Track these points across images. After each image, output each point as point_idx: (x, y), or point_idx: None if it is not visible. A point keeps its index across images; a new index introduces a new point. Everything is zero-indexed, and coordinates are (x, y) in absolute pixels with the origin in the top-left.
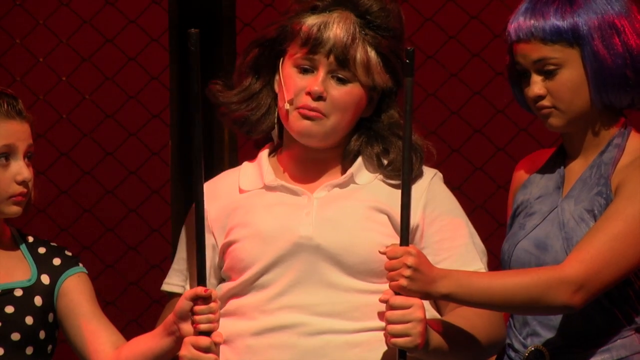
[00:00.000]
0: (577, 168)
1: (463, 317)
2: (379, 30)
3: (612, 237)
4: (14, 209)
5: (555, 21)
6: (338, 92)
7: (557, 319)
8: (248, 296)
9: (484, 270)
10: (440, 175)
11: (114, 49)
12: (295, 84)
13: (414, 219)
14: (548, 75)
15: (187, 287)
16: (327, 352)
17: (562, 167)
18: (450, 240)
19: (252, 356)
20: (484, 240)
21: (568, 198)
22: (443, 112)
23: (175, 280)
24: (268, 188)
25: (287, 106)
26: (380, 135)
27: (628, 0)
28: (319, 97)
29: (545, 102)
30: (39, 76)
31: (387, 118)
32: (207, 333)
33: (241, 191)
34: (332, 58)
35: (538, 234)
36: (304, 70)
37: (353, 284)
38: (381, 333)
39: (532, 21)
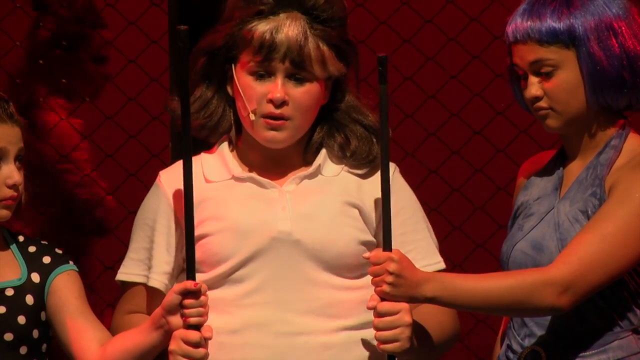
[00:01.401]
0: (575, 169)
1: (429, 314)
2: (326, 22)
3: (601, 238)
4: (3, 213)
5: (551, 23)
6: (298, 93)
7: (554, 321)
8: (221, 289)
9: (442, 264)
10: (398, 168)
11: (113, 51)
12: (255, 92)
13: (377, 212)
14: (545, 76)
15: (154, 276)
16: (303, 353)
17: (560, 169)
18: (413, 234)
19: (226, 354)
20: (483, 242)
21: (564, 199)
22: (443, 114)
23: (136, 270)
24: (237, 179)
25: (252, 117)
26: (340, 124)
27: (627, 2)
28: (282, 103)
29: (542, 104)
30: None
31: (344, 102)
32: (197, 327)
33: (207, 181)
34: (287, 62)
35: (535, 235)
36: (260, 76)
37: (329, 280)
38: (357, 333)
39: (529, 22)
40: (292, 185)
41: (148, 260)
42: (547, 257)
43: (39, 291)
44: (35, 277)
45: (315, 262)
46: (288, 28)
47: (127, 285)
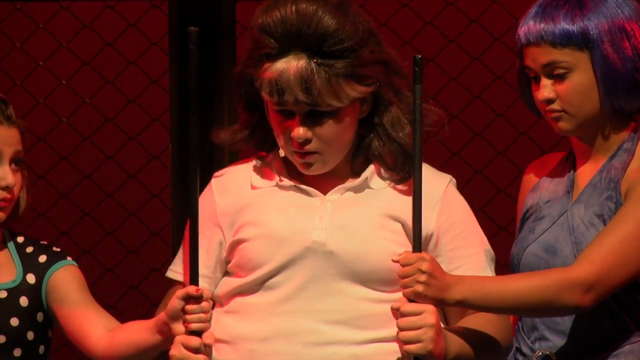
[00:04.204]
0: (587, 172)
1: (475, 326)
2: (337, 55)
3: (622, 239)
4: None
5: (565, 25)
6: (320, 128)
7: (565, 324)
8: (255, 296)
9: None
10: (454, 181)
11: (114, 53)
12: (281, 129)
13: (429, 226)
14: (558, 79)
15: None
16: None
17: (572, 171)
18: (464, 249)
19: None
20: None
21: (578, 202)
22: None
23: (179, 269)
24: (280, 187)
25: (281, 153)
26: (381, 136)
27: (638, 4)
28: (305, 140)
29: (555, 106)
30: (38, 80)
31: (384, 115)
32: (198, 333)
33: (253, 187)
34: (300, 104)
35: (547, 238)
36: (283, 112)
37: (362, 292)
38: (387, 345)
39: (542, 25)
40: (336, 195)
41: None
42: (561, 260)
43: (35, 292)
44: (31, 278)
45: (349, 275)
46: (292, 72)
47: (172, 282)
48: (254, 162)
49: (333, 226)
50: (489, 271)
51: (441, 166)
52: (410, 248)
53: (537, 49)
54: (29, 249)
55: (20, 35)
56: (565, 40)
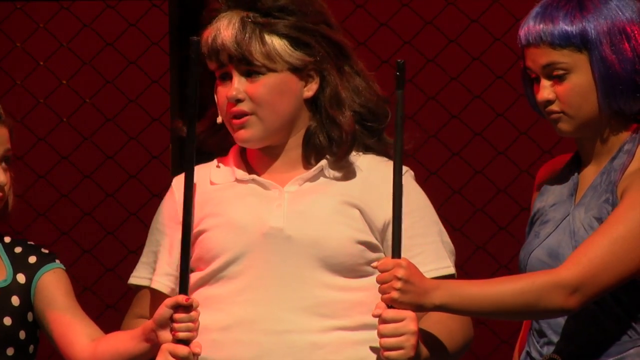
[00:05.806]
0: (589, 174)
1: (439, 322)
2: (275, 15)
3: (612, 241)
4: None
5: (564, 26)
6: (252, 87)
7: (572, 329)
8: (216, 286)
9: (452, 270)
10: (411, 173)
11: (114, 53)
12: (220, 96)
13: (384, 215)
14: (557, 80)
15: (156, 278)
16: (292, 352)
17: (575, 174)
18: (422, 237)
19: (217, 352)
20: (483, 243)
21: (579, 206)
22: (443, 116)
23: (143, 273)
24: (239, 181)
25: (219, 120)
26: (327, 116)
27: None
28: (237, 100)
29: (554, 107)
30: (39, 80)
31: (329, 92)
32: (186, 342)
33: (212, 184)
34: (235, 61)
35: (551, 243)
36: (223, 79)
37: (323, 278)
38: (348, 333)
39: (542, 26)
40: (294, 187)
41: (154, 263)
42: None
43: (25, 292)
44: (21, 278)
45: (309, 260)
46: (224, 29)
47: (137, 289)
48: (214, 162)
49: (291, 212)
50: (448, 262)
51: (441, 166)
52: (369, 233)
53: (537, 50)
54: (18, 249)
55: (20, 35)
56: (564, 42)
